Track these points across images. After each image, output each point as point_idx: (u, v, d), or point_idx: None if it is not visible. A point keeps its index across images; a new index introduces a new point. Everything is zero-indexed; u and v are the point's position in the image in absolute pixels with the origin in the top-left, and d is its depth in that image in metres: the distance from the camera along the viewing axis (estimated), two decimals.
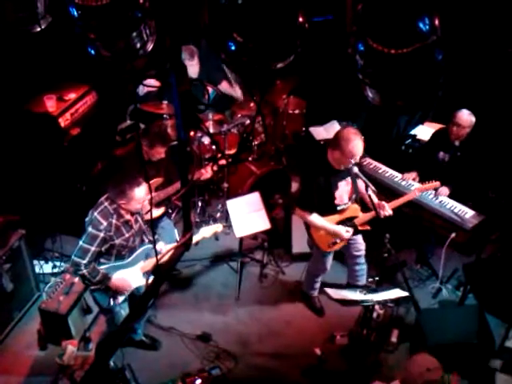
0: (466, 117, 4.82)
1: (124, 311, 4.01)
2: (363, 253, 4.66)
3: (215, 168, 4.69)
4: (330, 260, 4.60)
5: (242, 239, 5.00)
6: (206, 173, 4.70)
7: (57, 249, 5.18)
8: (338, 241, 4.38)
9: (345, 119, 5.99)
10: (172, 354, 4.47)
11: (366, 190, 4.17)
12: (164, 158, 4.56)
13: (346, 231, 4.32)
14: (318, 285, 4.82)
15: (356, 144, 3.99)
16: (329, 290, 4.06)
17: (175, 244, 4.12)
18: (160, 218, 4.73)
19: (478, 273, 4.80)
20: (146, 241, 4.17)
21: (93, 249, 3.76)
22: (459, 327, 4.28)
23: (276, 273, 5.29)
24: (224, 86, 6.05)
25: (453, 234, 4.68)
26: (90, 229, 3.78)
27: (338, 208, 4.31)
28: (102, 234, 3.77)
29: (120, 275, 3.92)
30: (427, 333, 4.32)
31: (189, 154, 5.21)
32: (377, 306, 4.41)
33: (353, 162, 4.03)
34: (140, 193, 3.76)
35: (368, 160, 5.37)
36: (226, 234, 5.44)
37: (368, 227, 4.43)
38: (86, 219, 3.86)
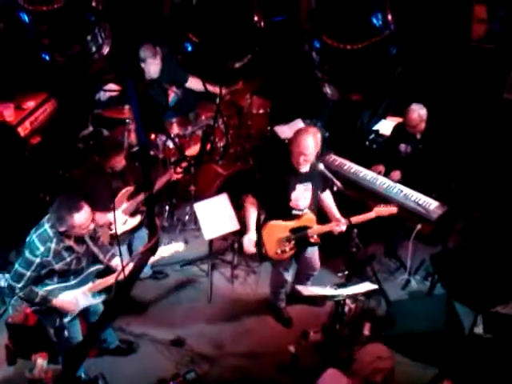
0: (414, 115, 4.91)
1: (73, 328, 3.85)
2: (315, 273, 4.67)
3: (178, 170, 4.59)
4: (289, 271, 4.53)
5: (211, 241, 4.97)
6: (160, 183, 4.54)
7: None
8: (287, 249, 4.26)
9: (309, 117, 6.04)
10: (146, 360, 4.42)
11: (332, 188, 4.17)
12: (130, 166, 4.40)
13: (248, 240, 4.16)
14: (283, 296, 4.76)
15: (302, 139, 3.92)
16: (299, 287, 4.08)
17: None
18: (137, 227, 4.60)
19: (445, 263, 4.88)
20: (103, 259, 3.85)
21: (28, 273, 3.51)
22: (429, 317, 4.36)
23: (247, 273, 5.29)
24: (193, 83, 5.77)
25: (419, 226, 4.74)
26: (26, 253, 3.51)
27: (293, 212, 4.18)
28: (38, 260, 3.49)
29: (64, 297, 3.70)
30: (398, 324, 4.38)
31: (151, 157, 5.16)
32: (348, 301, 4.45)
33: (302, 159, 3.94)
34: (80, 218, 3.46)
35: (333, 156, 5.41)
36: (196, 237, 5.41)
37: (318, 240, 4.34)
38: (27, 239, 3.57)
